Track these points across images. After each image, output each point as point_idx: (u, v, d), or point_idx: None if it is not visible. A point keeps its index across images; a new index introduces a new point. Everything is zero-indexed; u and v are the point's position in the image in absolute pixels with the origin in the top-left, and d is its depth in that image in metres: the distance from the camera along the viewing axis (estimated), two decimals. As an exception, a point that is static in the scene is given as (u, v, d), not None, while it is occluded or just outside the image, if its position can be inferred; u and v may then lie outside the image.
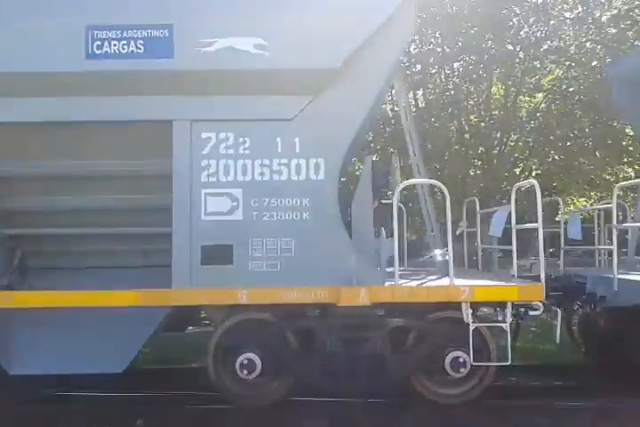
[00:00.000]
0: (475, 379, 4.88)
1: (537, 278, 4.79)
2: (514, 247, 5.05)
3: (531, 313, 4.76)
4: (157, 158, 4.81)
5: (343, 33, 4.64)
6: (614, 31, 10.46)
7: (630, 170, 12.20)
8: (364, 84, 4.81)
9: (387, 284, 4.70)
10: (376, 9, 4.70)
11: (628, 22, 10.29)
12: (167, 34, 4.61)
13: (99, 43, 4.59)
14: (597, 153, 10.94)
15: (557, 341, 4.90)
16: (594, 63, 10.46)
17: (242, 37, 4.61)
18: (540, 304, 4.71)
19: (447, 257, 4.72)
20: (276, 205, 4.75)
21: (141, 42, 4.60)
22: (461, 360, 4.73)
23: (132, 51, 4.60)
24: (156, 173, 4.93)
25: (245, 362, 4.69)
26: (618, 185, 5.92)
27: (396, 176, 5.43)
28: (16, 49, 4.53)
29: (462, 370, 4.75)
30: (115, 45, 4.60)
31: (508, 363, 4.71)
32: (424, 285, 4.99)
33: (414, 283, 5.06)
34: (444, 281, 4.86)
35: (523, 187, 5.68)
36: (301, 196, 4.75)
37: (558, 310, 4.84)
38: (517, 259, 5.16)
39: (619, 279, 4.98)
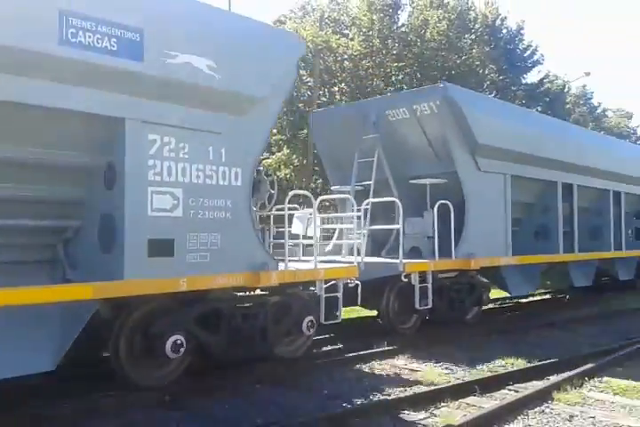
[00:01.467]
0: (304, 337, 6.76)
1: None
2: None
3: (350, 285, 6.98)
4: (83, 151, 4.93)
5: (264, 71, 5.82)
6: None
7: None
8: (270, 111, 6.07)
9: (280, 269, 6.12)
10: (280, 63, 6.07)
11: None
12: (137, 37, 4.83)
13: (73, 31, 4.45)
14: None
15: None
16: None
17: (200, 57, 5.24)
18: (355, 279, 7.00)
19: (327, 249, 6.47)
20: (208, 205, 5.53)
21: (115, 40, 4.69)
22: (313, 322, 6.57)
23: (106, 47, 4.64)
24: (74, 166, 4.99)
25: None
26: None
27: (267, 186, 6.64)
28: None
29: (312, 330, 6.59)
30: (89, 37, 4.55)
31: (338, 321, 6.81)
32: (302, 269, 6.52)
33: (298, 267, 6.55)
34: (311, 265, 6.58)
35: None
36: (225, 198, 5.67)
37: (359, 283, 7.18)
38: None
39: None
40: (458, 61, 22.06)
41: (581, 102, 37.09)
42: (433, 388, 5.57)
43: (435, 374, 6.14)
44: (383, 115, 9.16)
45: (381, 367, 6.53)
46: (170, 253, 5.24)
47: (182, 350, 5.38)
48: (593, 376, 5.96)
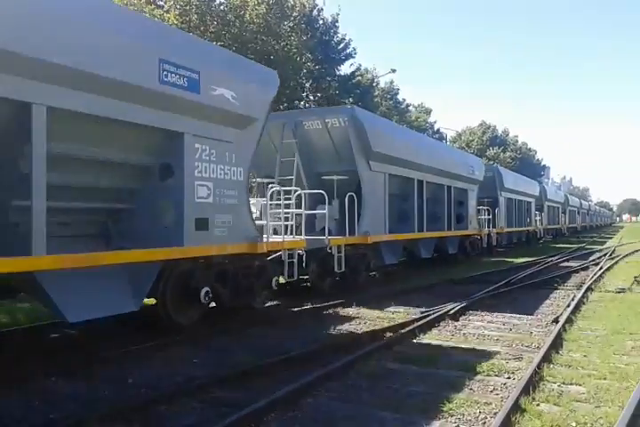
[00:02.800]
0: (270, 291, 9.21)
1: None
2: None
3: (299, 253, 9.51)
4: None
5: (256, 102, 8.12)
6: None
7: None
8: (258, 127, 8.36)
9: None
10: (267, 94, 8.41)
11: None
12: (197, 77, 6.90)
13: (166, 73, 6.44)
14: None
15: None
16: None
17: (229, 91, 7.42)
18: (303, 250, 9.57)
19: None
20: (225, 194, 7.72)
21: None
22: (278, 280, 9.03)
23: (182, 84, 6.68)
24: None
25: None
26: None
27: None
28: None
29: (275, 285, 9.05)
30: (173, 77, 6.55)
31: (294, 279, 9.33)
32: (275, 241, 8.88)
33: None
34: (279, 239, 8.99)
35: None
36: (234, 189, 7.89)
37: (304, 253, 9.73)
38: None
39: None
40: (276, 47, 22.03)
41: (388, 97, 38.86)
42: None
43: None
44: (300, 124, 11.80)
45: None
46: (206, 228, 7.38)
47: (208, 298, 7.56)
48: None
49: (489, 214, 21.56)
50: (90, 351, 6.49)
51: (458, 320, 8.53)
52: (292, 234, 9.66)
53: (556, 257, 21.01)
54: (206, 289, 7.52)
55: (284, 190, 9.60)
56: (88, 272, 5.91)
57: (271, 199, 9.60)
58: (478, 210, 20.52)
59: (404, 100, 42.20)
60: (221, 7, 21.50)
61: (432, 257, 16.30)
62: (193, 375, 5.58)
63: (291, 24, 23.12)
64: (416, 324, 7.84)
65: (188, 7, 20.26)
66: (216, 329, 7.73)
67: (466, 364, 6.02)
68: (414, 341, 7.25)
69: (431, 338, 7.42)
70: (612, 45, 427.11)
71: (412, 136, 15.25)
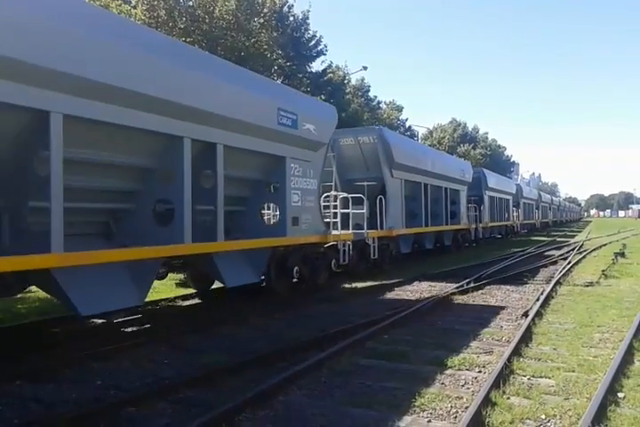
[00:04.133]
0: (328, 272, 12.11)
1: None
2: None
3: (348, 243, 12.42)
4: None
5: (325, 131, 11.01)
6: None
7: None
8: (325, 149, 11.25)
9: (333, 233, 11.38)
10: (332, 124, 11.32)
11: None
12: (296, 117, 9.78)
13: (280, 117, 9.31)
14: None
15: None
16: None
17: (312, 125, 10.30)
18: (350, 242, 12.47)
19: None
20: (307, 199, 10.59)
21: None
22: (335, 262, 11.94)
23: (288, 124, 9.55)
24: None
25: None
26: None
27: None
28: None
29: (334, 267, 11.95)
30: (284, 119, 9.42)
31: (345, 263, 12.22)
32: (335, 234, 11.77)
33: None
34: (337, 232, 11.90)
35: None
36: (312, 195, 10.77)
37: (350, 243, 12.63)
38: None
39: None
40: (247, 44, 21.95)
41: (360, 94, 38.79)
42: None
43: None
44: (337, 141, 14.72)
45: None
46: (298, 224, 10.26)
47: (297, 274, 10.44)
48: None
49: (475, 211, 24.79)
50: (56, 353, 6.39)
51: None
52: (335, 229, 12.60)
53: (534, 248, 24.31)
54: (296, 268, 10.41)
55: (332, 195, 12.53)
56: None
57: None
58: (467, 207, 23.69)
59: (376, 97, 42.07)
60: (190, 3, 21.24)
61: (434, 248, 19.43)
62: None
63: (261, 20, 22.74)
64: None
65: (155, 3, 19.96)
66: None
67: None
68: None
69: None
70: (584, 40, 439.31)
71: (421, 148, 18.51)
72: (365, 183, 14.75)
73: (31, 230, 5.87)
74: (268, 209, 10.57)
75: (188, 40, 19.31)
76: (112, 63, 6.04)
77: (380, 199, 14.09)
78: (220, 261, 8.44)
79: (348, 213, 13.50)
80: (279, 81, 25.92)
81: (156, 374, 5.64)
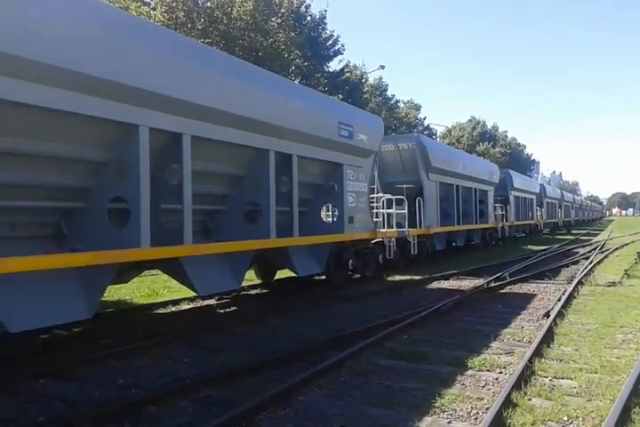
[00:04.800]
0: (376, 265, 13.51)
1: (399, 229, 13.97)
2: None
3: (393, 240, 13.80)
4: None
5: (374, 140, 12.42)
6: None
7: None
8: (373, 156, 12.66)
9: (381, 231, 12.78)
10: (380, 134, 12.73)
11: None
12: (352, 129, 11.20)
13: (340, 130, 10.74)
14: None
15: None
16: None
17: (364, 135, 11.72)
18: (394, 239, 13.85)
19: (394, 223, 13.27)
20: (359, 200, 12.01)
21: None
22: (382, 257, 13.33)
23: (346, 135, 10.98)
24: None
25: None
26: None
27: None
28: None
29: (381, 261, 13.34)
30: (343, 132, 10.85)
31: (391, 257, 13.60)
32: (382, 231, 13.18)
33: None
34: (383, 230, 13.30)
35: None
36: (363, 197, 12.18)
37: (394, 240, 14.02)
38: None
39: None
40: (264, 44, 22.11)
41: (377, 93, 38.87)
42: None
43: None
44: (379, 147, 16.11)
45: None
46: (353, 222, 11.68)
47: (352, 266, 11.86)
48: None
49: (502, 210, 25.97)
50: (78, 352, 6.42)
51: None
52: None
53: (557, 246, 25.40)
54: (351, 261, 11.83)
55: (377, 196, 13.93)
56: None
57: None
58: (494, 207, 24.90)
59: (394, 95, 41.95)
60: (208, 4, 21.52)
61: (464, 245, 20.72)
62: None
63: (278, 20, 22.90)
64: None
65: (174, 4, 20.33)
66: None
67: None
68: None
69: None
70: (605, 40, 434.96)
71: (453, 152, 19.90)
72: (404, 186, 16.11)
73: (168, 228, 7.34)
74: (327, 210, 12.02)
75: (206, 41, 19.39)
76: (222, 94, 7.52)
77: (419, 200, 15.45)
78: (293, 255, 9.88)
79: (390, 213, 14.91)
80: (297, 81, 26.02)
81: (177, 373, 5.68)
